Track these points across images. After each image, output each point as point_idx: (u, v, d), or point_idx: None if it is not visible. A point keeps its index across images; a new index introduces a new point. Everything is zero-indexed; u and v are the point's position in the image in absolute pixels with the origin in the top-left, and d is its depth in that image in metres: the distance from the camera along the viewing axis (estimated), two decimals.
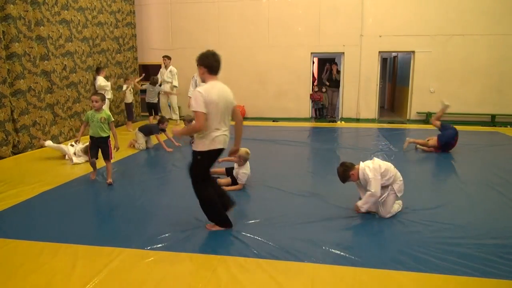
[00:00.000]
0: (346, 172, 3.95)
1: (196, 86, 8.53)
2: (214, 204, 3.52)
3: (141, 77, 10.33)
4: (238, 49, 11.46)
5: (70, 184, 5.07)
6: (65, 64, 8.14)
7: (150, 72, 10.95)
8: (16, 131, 6.85)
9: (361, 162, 4.01)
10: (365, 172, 3.84)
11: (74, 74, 8.41)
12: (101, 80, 8.82)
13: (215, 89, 3.35)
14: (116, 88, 9.90)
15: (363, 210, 3.88)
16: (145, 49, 11.86)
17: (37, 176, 5.41)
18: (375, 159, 4.02)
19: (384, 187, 3.87)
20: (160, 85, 9.60)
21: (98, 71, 9.03)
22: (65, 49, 8.11)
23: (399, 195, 3.93)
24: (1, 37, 6.43)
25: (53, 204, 4.32)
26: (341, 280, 2.75)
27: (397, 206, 4.01)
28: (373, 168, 3.84)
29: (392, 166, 3.98)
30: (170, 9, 11.65)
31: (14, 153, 6.72)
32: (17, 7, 6.71)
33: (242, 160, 4.75)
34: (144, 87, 9.60)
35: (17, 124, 6.85)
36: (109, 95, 9.09)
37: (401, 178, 3.96)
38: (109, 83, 9.01)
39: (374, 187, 3.77)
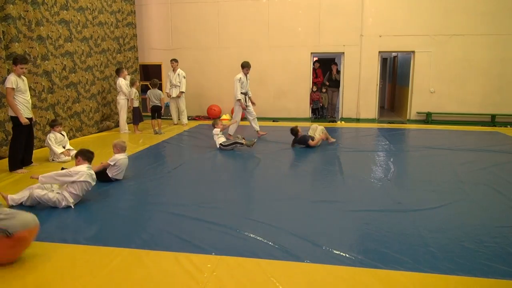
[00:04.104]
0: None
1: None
2: None
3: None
4: (238, 49, 11.47)
5: None
6: (65, 64, 8.14)
7: (150, 72, 10.93)
8: None
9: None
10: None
11: (73, 74, 8.41)
12: (123, 83, 8.78)
13: None
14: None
15: (43, 180, 4.09)
16: (145, 49, 11.87)
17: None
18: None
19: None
20: (160, 88, 9.53)
21: (118, 72, 8.97)
22: (64, 49, 8.11)
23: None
24: (1, 37, 6.43)
25: None
26: (341, 280, 2.75)
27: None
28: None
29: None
30: (170, 9, 11.66)
31: None
32: (17, 7, 6.70)
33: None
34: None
35: None
36: (126, 96, 8.92)
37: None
38: (128, 85, 8.92)
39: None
